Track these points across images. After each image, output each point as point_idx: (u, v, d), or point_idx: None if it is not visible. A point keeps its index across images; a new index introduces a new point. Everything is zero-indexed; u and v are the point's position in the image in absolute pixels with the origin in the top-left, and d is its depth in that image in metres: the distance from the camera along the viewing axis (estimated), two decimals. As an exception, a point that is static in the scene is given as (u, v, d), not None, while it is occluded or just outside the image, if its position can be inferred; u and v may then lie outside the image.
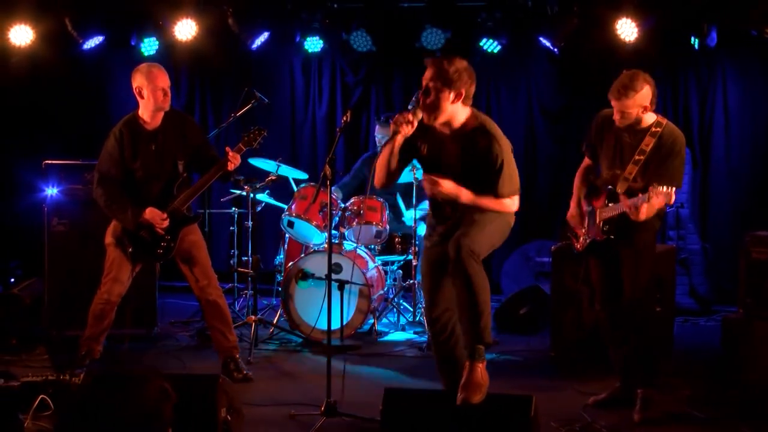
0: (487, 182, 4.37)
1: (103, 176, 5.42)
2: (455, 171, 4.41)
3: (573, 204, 5.21)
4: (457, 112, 4.41)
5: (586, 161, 5.20)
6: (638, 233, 4.82)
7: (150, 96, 5.38)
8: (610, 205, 4.86)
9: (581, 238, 5.12)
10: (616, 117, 4.82)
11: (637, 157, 4.78)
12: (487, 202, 4.40)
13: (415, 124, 4.34)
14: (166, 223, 5.39)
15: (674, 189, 4.54)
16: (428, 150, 4.51)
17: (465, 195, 4.38)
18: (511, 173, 4.42)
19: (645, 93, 4.72)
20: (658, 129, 4.78)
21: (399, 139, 4.37)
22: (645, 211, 4.58)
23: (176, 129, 5.51)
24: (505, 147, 4.43)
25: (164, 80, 5.42)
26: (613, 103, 4.81)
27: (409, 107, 4.40)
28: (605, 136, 4.98)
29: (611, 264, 4.98)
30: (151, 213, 5.35)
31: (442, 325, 4.60)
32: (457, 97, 4.37)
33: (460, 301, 4.37)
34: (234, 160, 5.44)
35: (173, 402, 2.41)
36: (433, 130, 4.45)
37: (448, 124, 4.42)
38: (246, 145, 5.58)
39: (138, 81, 5.39)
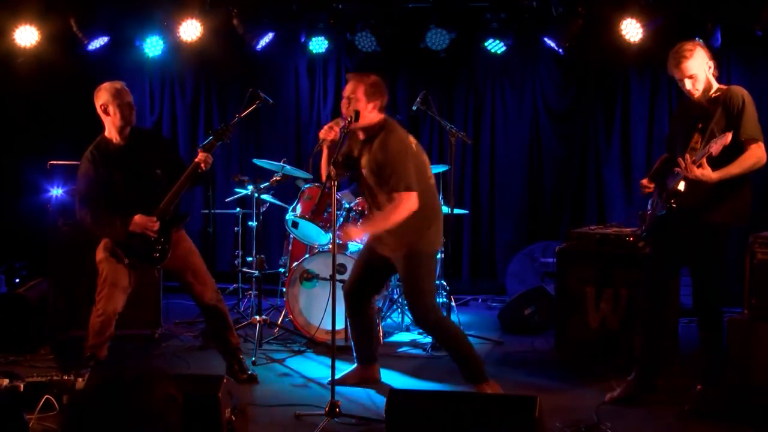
0: (388, 178, 4.95)
1: (83, 198, 5.37)
2: (368, 172, 5.02)
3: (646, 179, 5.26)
4: (372, 119, 5.03)
5: (665, 155, 5.23)
6: (710, 208, 4.78)
7: (116, 111, 5.35)
8: (675, 170, 4.82)
9: (647, 220, 5.10)
10: (688, 87, 4.81)
11: (700, 125, 4.77)
12: (390, 216, 4.94)
13: (337, 130, 5.02)
14: (156, 226, 5.36)
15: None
16: (357, 155, 5.12)
17: (373, 226, 5.17)
18: (402, 167, 4.92)
19: (700, 52, 4.78)
20: (718, 94, 4.80)
21: (326, 144, 5.10)
22: (701, 172, 4.56)
23: (144, 141, 5.49)
24: (397, 141, 4.98)
25: (129, 96, 5.42)
26: (677, 75, 4.82)
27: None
28: (678, 121, 5.05)
29: (670, 250, 4.99)
30: (140, 218, 5.30)
31: (355, 305, 5.42)
32: (374, 107, 5.02)
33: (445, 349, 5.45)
34: (206, 161, 5.38)
35: (179, 406, 2.41)
36: (357, 138, 5.09)
37: (364, 130, 5.07)
38: (217, 139, 5.50)
39: (103, 98, 5.36)
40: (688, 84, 4.81)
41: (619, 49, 7.70)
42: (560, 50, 7.88)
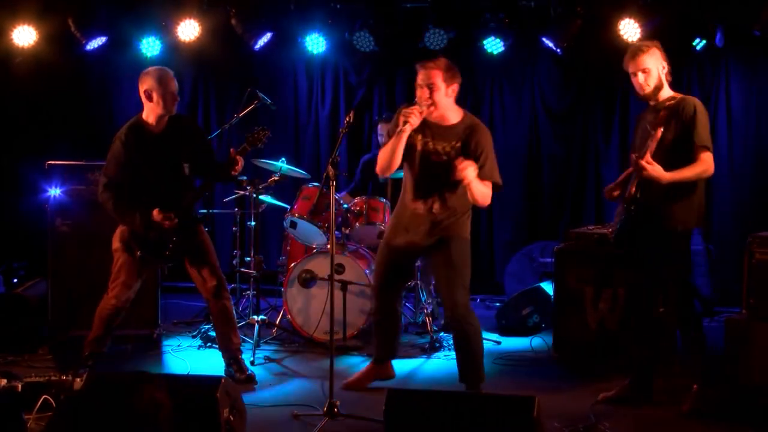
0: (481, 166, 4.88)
1: (110, 180, 5.39)
2: (448, 162, 4.86)
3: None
4: (453, 105, 4.97)
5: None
6: (664, 209, 4.84)
7: (159, 100, 5.35)
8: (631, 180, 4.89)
9: (615, 228, 5.13)
10: (640, 81, 4.91)
11: (653, 132, 4.81)
12: (485, 201, 4.94)
13: (421, 117, 4.79)
14: (174, 224, 5.38)
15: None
16: (423, 144, 4.94)
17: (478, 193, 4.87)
18: (494, 157, 4.99)
19: (657, 51, 4.89)
20: (672, 102, 4.87)
21: (408, 130, 4.78)
22: (652, 169, 4.64)
23: (182, 132, 5.50)
24: (489, 137, 5.02)
25: (174, 85, 5.42)
26: (631, 68, 4.93)
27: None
28: (637, 130, 5.11)
29: (640, 257, 5.01)
30: (159, 215, 5.33)
31: (386, 311, 5.36)
32: (453, 92, 4.93)
33: (458, 345, 5.18)
34: (239, 164, 5.45)
35: (169, 411, 2.39)
36: (427, 125, 4.90)
37: (441, 119, 4.95)
38: (250, 145, 5.57)
39: (148, 84, 5.35)
40: (640, 77, 4.90)
41: (617, 49, 7.68)
42: (559, 50, 7.88)
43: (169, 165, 5.42)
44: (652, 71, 4.89)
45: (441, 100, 4.88)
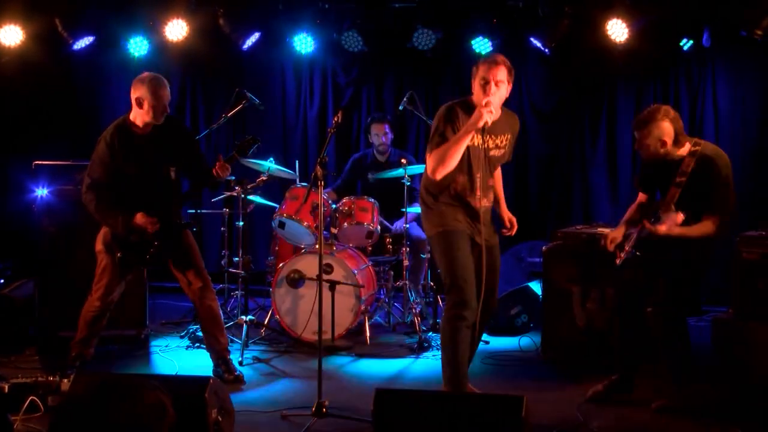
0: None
1: (94, 181, 5.34)
2: (505, 152, 5.16)
3: (618, 228, 5.21)
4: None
5: (640, 197, 5.26)
6: (676, 249, 4.85)
7: (150, 110, 5.29)
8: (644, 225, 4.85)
9: (623, 254, 5.06)
10: (636, 147, 4.98)
11: (678, 179, 4.82)
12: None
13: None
14: (156, 228, 5.34)
15: (681, 215, 4.68)
16: (481, 140, 4.99)
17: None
18: None
19: (663, 127, 4.81)
20: (697, 148, 4.86)
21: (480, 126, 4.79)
22: (669, 228, 4.69)
23: (168, 135, 5.45)
24: None
25: (168, 97, 5.35)
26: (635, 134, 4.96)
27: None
28: (653, 167, 5.06)
29: (646, 272, 5.02)
30: (141, 218, 5.29)
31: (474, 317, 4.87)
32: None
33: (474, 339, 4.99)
34: (223, 172, 5.39)
35: (170, 420, 2.38)
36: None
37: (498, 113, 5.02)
38: (239, 153, 5.52)
39: (140, 92, 5.28)
40: (637, 145, 4.98)
41: (605, 49, 7.73)
42: (546, 50, 7.90)
43: (154, 168, 5.39)
44: (648, 146, 4.85)
45: (503, 96, 4.95)
